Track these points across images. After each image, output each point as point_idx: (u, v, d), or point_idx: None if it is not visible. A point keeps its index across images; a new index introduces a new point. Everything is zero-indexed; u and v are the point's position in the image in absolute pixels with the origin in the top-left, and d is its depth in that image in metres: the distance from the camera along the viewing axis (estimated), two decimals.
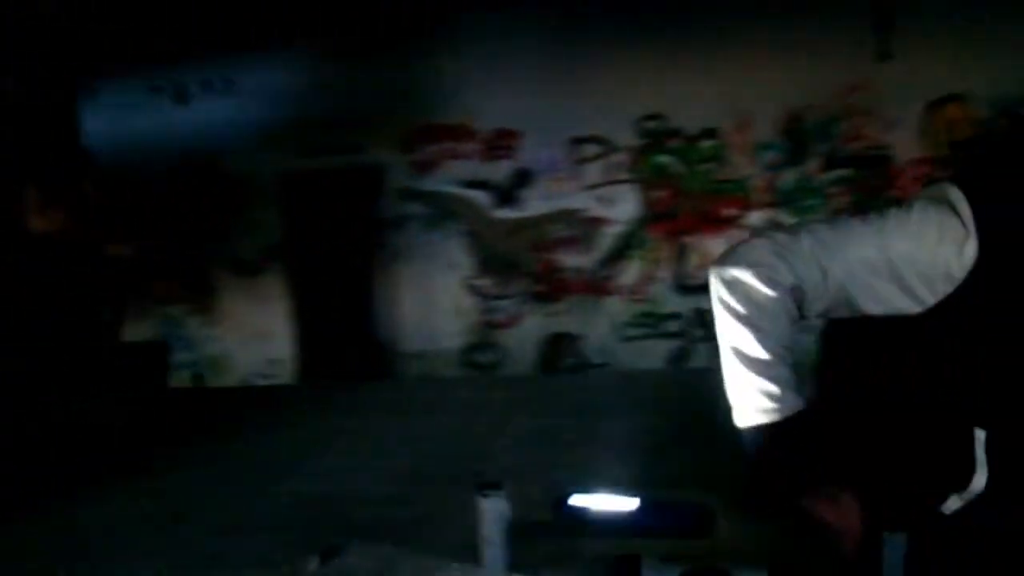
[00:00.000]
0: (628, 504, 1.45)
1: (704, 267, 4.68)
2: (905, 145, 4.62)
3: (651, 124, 4.69)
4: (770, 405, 1.15)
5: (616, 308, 4.78)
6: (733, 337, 1.16)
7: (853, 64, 4.62)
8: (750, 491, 1.19)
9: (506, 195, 4.79)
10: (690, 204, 4.71)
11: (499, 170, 4.78)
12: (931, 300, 1.07)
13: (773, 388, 1.15)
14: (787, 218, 4.65)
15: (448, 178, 4.80)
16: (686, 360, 4.76)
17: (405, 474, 3.03)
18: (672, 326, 4.77)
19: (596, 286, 4.78)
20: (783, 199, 4.69)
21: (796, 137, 4.66)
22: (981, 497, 1.15)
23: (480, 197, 4.80)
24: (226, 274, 5.03)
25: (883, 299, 1.10)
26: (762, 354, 1.15)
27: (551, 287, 4.79)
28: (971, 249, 1.03)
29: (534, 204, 4.77)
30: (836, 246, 1.10)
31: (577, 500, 1.48)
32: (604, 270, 4.76)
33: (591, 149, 4.73)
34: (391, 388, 4.72)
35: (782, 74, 4.62)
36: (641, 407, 3.79)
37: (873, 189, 4.61)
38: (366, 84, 4.75)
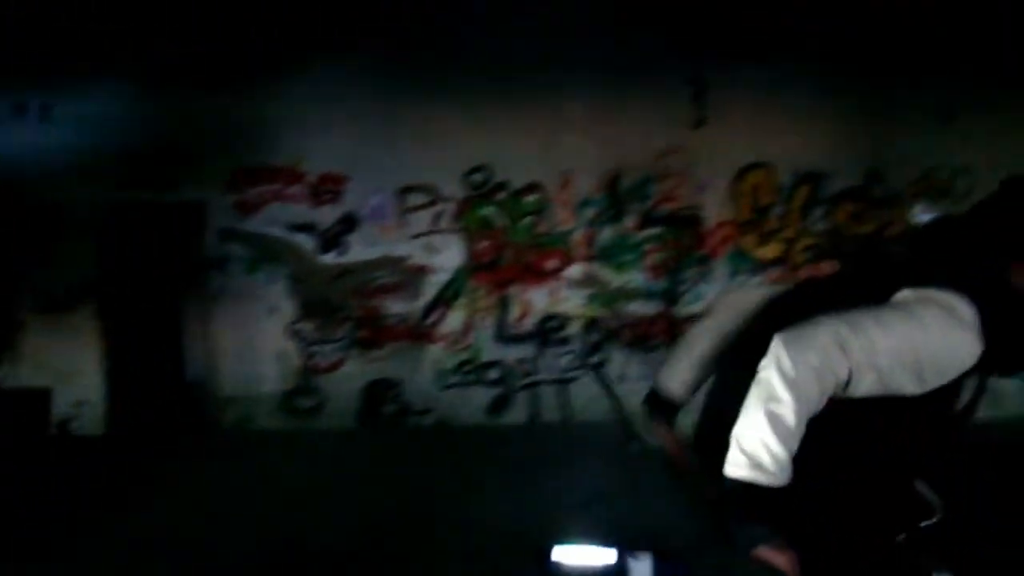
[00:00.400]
0: (608, 556, 1.55)
1: (526, 317, 4.94)
2: (714, 208, 5.04)
3: (478, 176, 4.95)
4: (771, 469, 1.36)
5: (438, 356, 4.96)
6: (775, 398, 1.36)
7: (670, 129, 5.04)
8: (720, 531, 1.40)
9: (331, 240, 4.92)
10: (513, 256, 4.97)
11: (325, 214, 4.92)
12: (936, 384, 1.35)
13: (782, 456, 1.36)
14: (604, 272, 4.97)
15: (273, 220, 4.90)
16: (506, 409, 4.96)
17: None
18: (492, 375, 4.99)
19: (419, 333, 4.95)
20: (601, 254, 5.02)
21: (615, 195, 5.01)
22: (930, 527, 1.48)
23: (305, 241, 4.91)
24: (33, 310, 4.92)
25: (895, 385, 1.35)
26: (791, 423, 1.35)
27: (374, 333, 4.93)
28: (978, 346, 1.32)
29: (359, 250, 4.92)
30: (878, 339, 1.34)
31: (559, 554, 1.57)
32: (427, 318, 4.95)
33: (418, 198, 4.95)
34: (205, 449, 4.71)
35: (604, 135, 4.99)
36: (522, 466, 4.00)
37: (684, 248, 4.99)
38: (191, 120, 4.82)
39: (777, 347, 1.38)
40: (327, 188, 4.95)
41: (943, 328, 1.34)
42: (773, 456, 1.36)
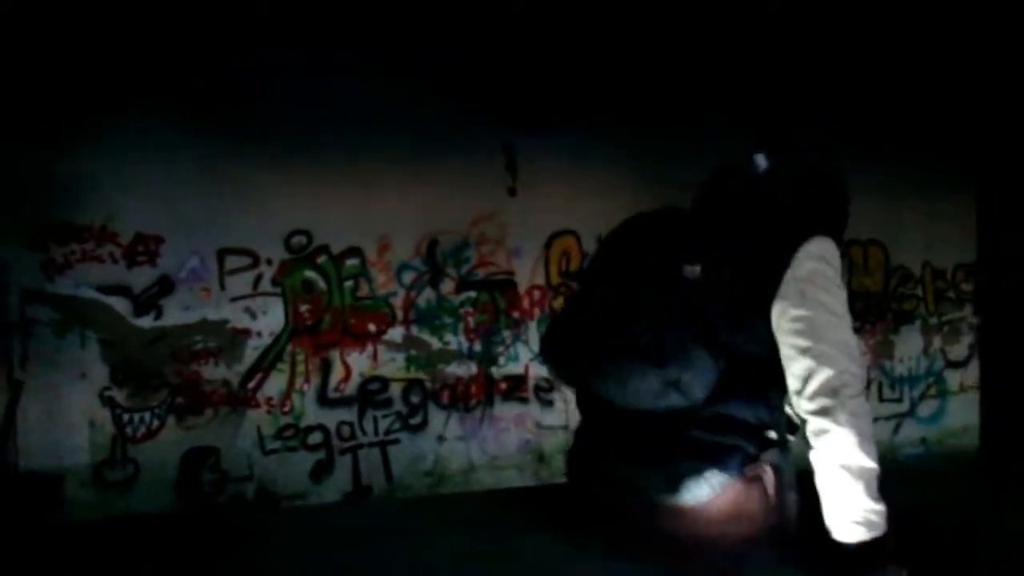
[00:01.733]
0: None
1: (347, 380, 6.24)
2: (526, 273, 6.62)
3: (299, 239, 6.22)
4: (877, 520, 1.83)
5: (259, 421, 6.12)
6: (853, 453, 1.82)
7: (485, 196, 6.55)
8: None
9: (147, 303, 5.97)
10: (334, 319, 6.26)
11: (140, 276, 5.96)
12: None
13: (879, 505, 1.84)
14: (423, 335, 6.40)
15: (84, 282, 5.86)
16: (328, 473, 6.23)
17: None
18: (314, 439, 6.22)
19: (239, 399, 6.07)
20: (420, 316, 6.42)
21: (433, 260, 6.47)
22: None
23: (118, 303, 5.92)
24: None
25: None
26: (874, 464, 1.85)
27: (192, 399, 6.01)
28: None
29: (176, 313, 5.97)
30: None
31: None
32: (248, 383, 6.10)
33: (238, 260, 6.10)
34: None
35: (423, 201, 6.39)
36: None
37: (498, 311, 6.55)
38: None
39: (828, 401, 1.84)
40: (142, 249, 6.00)
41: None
42: (873, 507, 1.84)
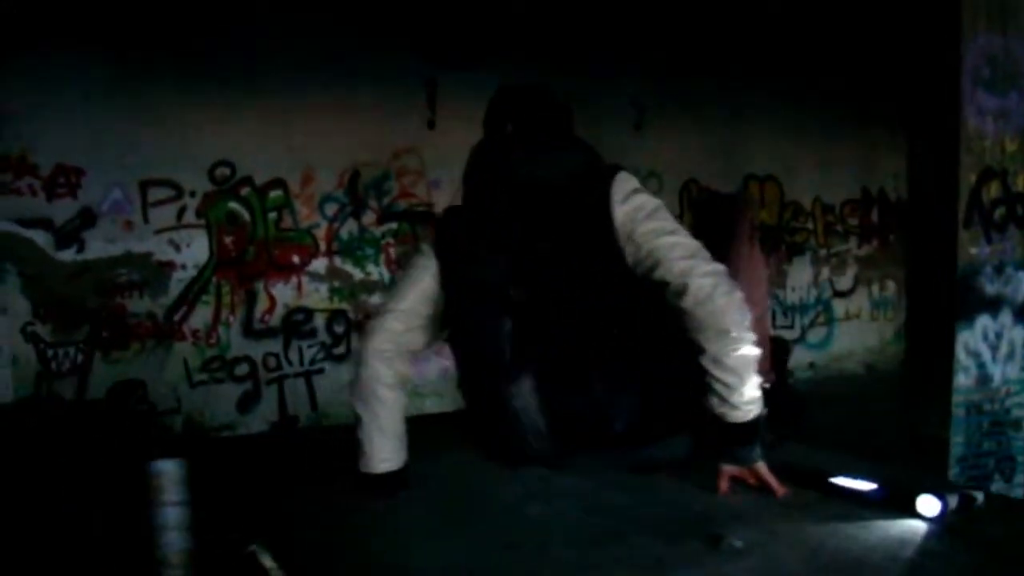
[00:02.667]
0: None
1: (272, 312, 7.29)
2: (445, 203, 7.69)
3: (223, 171, 7.14)
4: (760, 397, 2.37)
5: (185, 353, 7.09)
6: (747, 347, 2.32)
7: (406, 129, 7.61)
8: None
9: (68, 236, 6.78)
10: (259, 251, 7.26)
11: (61, 209, 6.76)
12: None
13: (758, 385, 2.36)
14: (346, 266, 7.50)
15: (2, 215, 6.61)
16: (255, 404, 7.28)
17: None
18: (241, 370, 7.23)
19: (164, 332, 7.01)
20: (342, 248, 7.45)
21: (355, 192, 7.53)
22: None
23: (39, 237, 6.69)
24: None
25: None
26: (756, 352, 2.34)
27: (117, 333, 6.90)
28: None
29: (99, 246, 6.81)
30: None
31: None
32: (173, 315, 7.04)
33: (161, 192, 6.95)
34: None
35: (345, 134, 7.36)
36: None
37: (418, 240, 7.71)
38: None
39: (720, 297, 2.33)
40: (63, 181, 6.77)
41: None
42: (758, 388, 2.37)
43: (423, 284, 2.73)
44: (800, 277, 9.60)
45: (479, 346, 2.68)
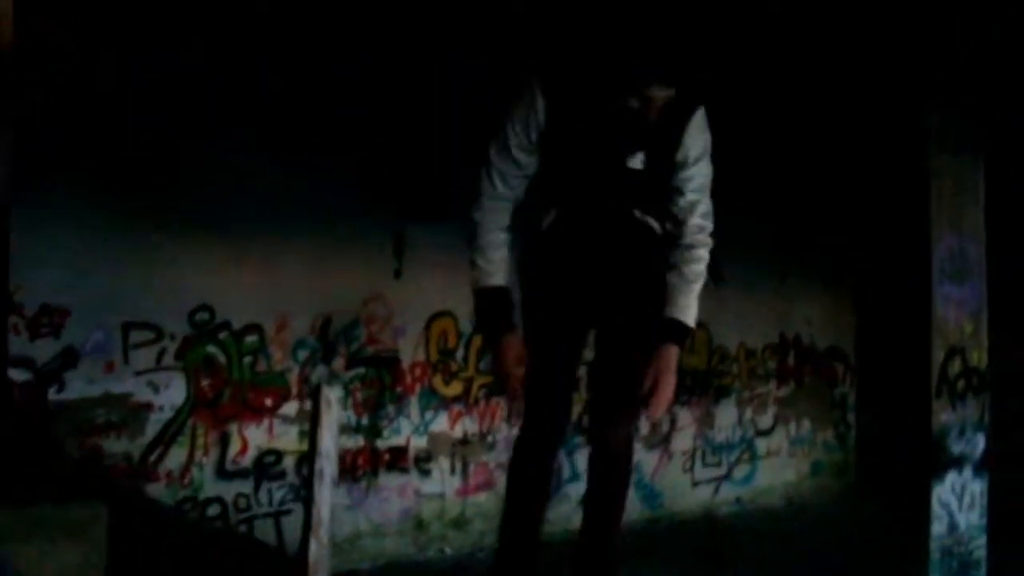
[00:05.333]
0: None
1: (244, 454, 7.56)
2: (409, 351, 8.26)
3: (202, 315, 7.45)
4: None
5: (159, 494, 7.25)
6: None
7: (374, 278, 8.12)
8: None
9: (49, 376, 6.97)
10: (234, 393, 7.56)
11: (43, 348, 6.95)
12: None
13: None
14: None
15: None
16: None
17: None
18: (213, 510, 7.43)
19: (139, 473, 7.20)
20: (312, 390, 7.85)
21: (326, 337, 7.93)
22: None
23: (20, 376, 6.87)
24: None
25: None
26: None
27: (95, 474, 7.05)
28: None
29: (79, 387, 7.03)
30: None
31: None
32: (148, 457, 7.23)
33: (143, 335, 7.23)
34: None
35: (319, 281, 7.74)
36: None
37: (385, 386, 8.12)
38: None
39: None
40: (46, 321, 6.98)
41: None
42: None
43: None
44: (726, 418, 10.29)
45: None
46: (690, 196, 3.67)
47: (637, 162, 3.58)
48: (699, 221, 3.71)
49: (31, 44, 6.05)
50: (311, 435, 2.75)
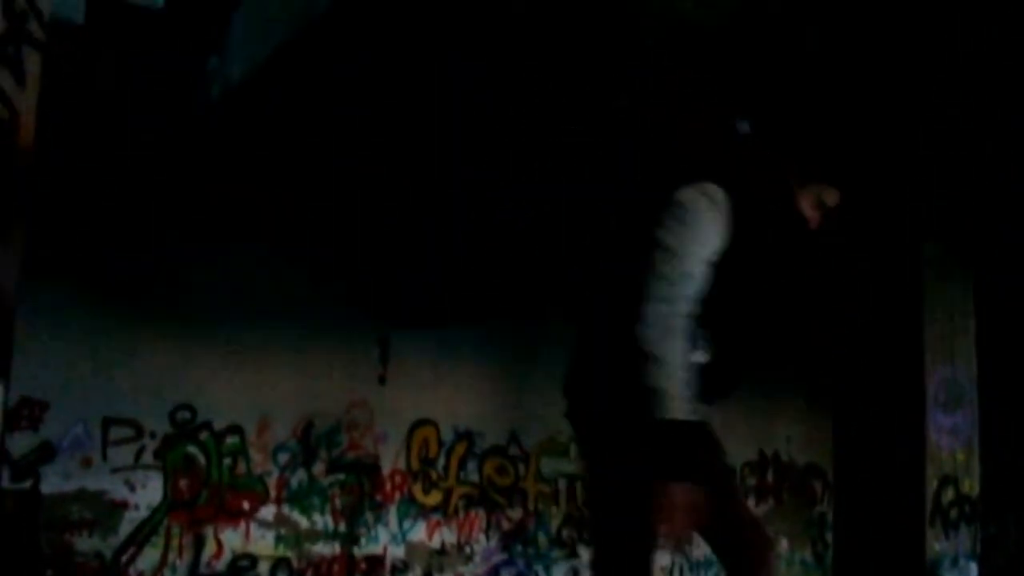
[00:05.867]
0: None
1: (219, 557, 7.44)
2: (390, 457, 8.22)
3: (183, 414, 7.42)
4: None
5: None
6: None
7: (358, 383, 8.13)
8: None
9: (24, 470, 6.90)
10: (211, 495, 7.48)
11: (21, 441, 6.89)
12: None
13: None
14: (294, 514, 7.75)
15: None
16: None
17: None
18: None
19: (111, 573, 7.07)
20: (291, 496, 7.76)
21: (308, 442, 7.90)
22: None
23: None
24: None
25: None
26: None
27: (62, 573, 6.93)
28: None
29: (55, 482, 6.95)
30: None
31: None
32: (120, 557, 7.11)
33: (122, 431, 7.18)
34: None
35: (302, 384, 7.81)
36: None
37: (363, 493, 8.05)
38: None
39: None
40: (25, 413, 6.93)
41: None
42: None
43: None
44: None
45: None
46: None
47: None
48: None
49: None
50: None
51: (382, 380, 8.09)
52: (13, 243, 3.13)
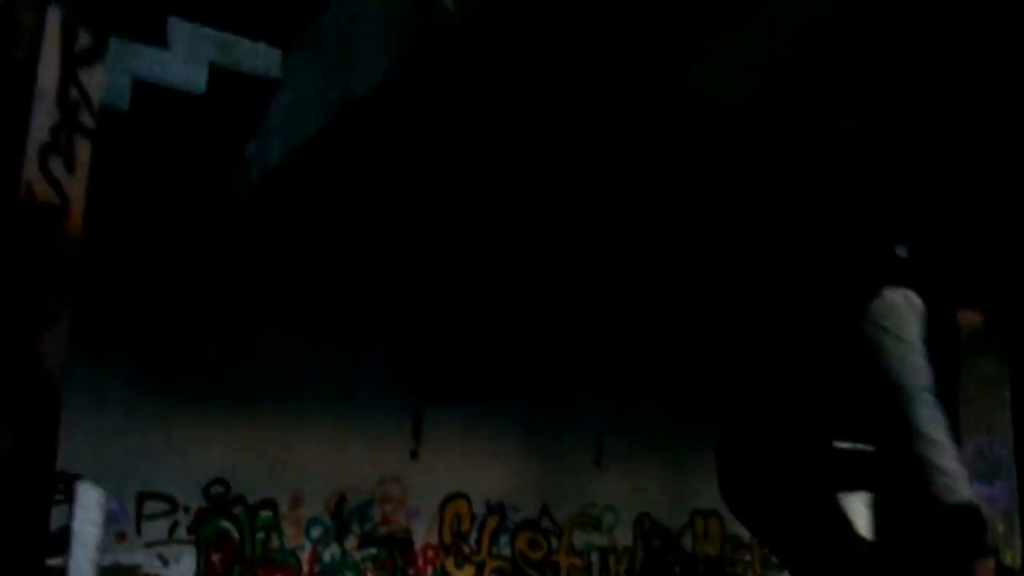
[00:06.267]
0: None
1: None
2: (423, 532, 8.21)
3: (217, 489, 7.48)
4: None
5: None
6: None
7: (391, 458, 8.17)
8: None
9: (56, 544, 6.93)
10: (244, 570, 7.48)
11: (55, 516, 6.93)
12: None
13: None
14: None
15: None
16: None
17: None
18: None
19: None
20: (323, 570, 7.74)
21: (341, 516, 7.91)
22: None
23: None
24: None
25: None
26: None
27: None
28: None
29: None
30: None
31: None
32: None
33: (157, 506, 7.25)
34: None
35: (336, 459, 7.87)
36: None
37: (396, 567, 8.03)
38: None
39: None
40: (60, 487, 6.98)
41: None
42: None
43: None
44: None
45: None
46: None
47: None
48: None
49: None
50: None
51: (414, 455, 8.11)
52: (60, 327, 3.21)
